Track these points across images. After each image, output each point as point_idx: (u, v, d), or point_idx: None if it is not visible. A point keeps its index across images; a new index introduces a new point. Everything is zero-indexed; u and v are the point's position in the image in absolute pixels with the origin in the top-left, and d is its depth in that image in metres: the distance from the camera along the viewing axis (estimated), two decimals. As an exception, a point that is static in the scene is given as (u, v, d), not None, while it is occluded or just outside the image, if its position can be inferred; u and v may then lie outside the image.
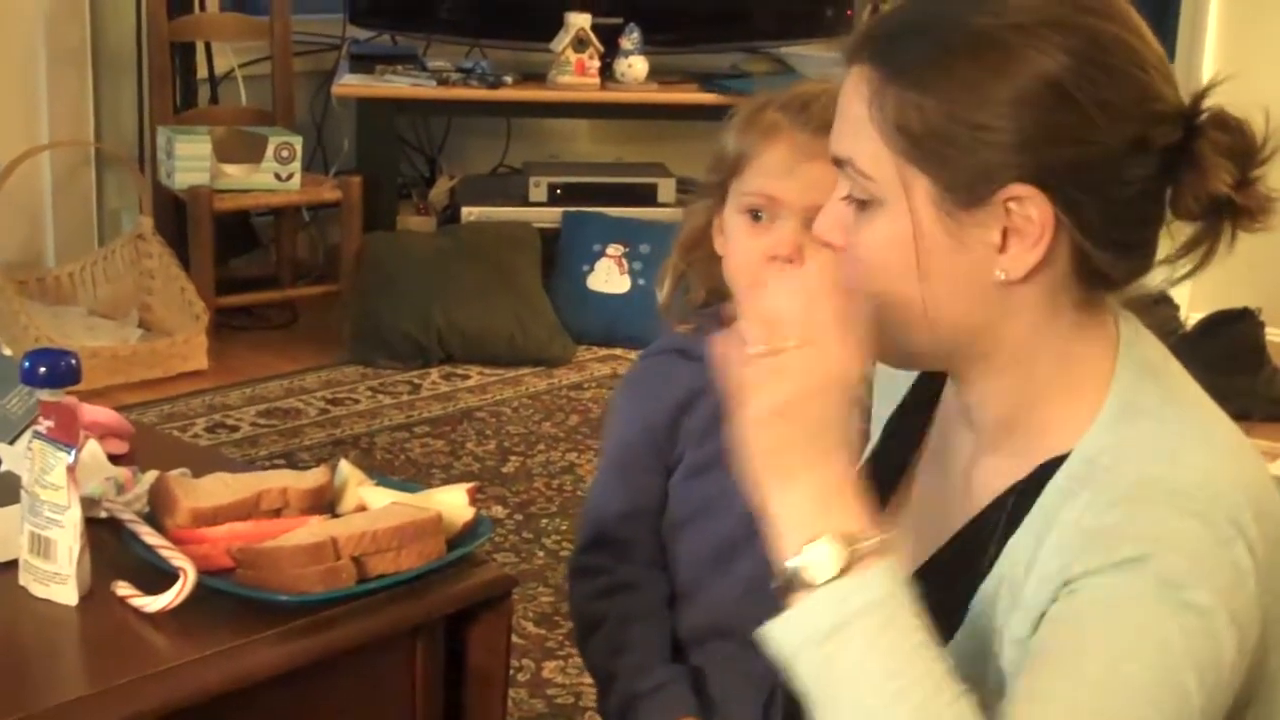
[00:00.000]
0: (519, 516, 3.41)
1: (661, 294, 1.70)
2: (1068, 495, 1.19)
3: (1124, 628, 1.13)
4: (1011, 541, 1.22)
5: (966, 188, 1.19)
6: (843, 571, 1.12)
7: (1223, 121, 1.20)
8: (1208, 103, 1.22)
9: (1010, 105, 1.17)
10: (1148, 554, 1.13)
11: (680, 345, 1.68)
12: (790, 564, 1.14)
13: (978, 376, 1.29)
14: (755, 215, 1.61)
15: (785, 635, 1.14)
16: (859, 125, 1.21)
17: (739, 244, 1.62)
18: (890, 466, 1.42)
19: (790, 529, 1.15)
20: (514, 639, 2.53)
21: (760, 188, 1.60)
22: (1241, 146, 1.20)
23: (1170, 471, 1.16)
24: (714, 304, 1.68)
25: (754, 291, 1.23)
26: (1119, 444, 1.19)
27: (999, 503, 1.26)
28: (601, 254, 4.59)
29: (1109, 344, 1.24)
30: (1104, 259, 1.20)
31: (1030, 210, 1.18)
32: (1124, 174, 1.18)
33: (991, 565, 1.24)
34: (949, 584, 1.27)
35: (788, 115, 1.60)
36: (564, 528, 3.34)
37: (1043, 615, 1.18)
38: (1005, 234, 1.19)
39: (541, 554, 3.23)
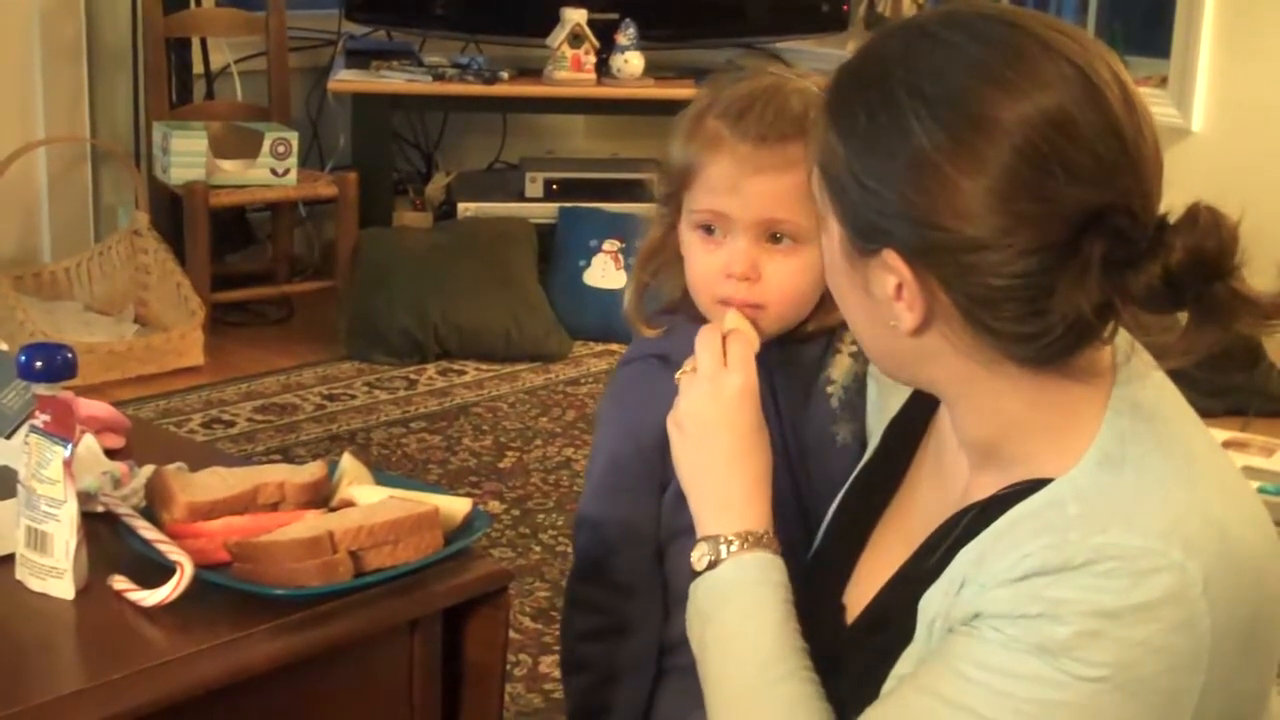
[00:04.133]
0: (515, 512, 3.41)
1: (625, 302, 1.68)
2: (1028, 529, 1.19)
3: (976, 681, 1.18)
4: (964, 550, 1.23)
5: (859, 239, 1.22)
6: (712, 565, 1.39)
7: (1186, 224, 1.14)
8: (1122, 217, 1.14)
9: (890, 174, 1.17)
10: (1043, 614, 1.15)
11: (659, 350, 1.64)
12: (690, 556, 1.41)
13: (946, 403, 1.31)
14: (708, 230, 1.58)
15: (686, 615, 1.42)
16: (810, 148, 1.28)
17: (696, 261, 1.59)
18: (890, 472, 1.43)
19: (696, 528, 1.42)
20: (511, 634, 2.54)
21: (708, 205, 1.57)
22: (1189, 258, 1.13)
23: (1121, 539, 1.15)
24: (685, 308, 1.66)
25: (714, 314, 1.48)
26: (1094, 492, 1.18)
27: (964, 511, 1.27)
28: (598, 249, 4.59)
29: (1101, 383, 1.23)
30: (990, 339, 1.19)
31: (903, 277, 1.19)
32: (994, 265, 1.15)
33: (941, 568, 1.25)
34: (908, 585, 1.29)
35: (727, 124, 1.55)
36: (560, 523, 3.34)
37: (949, 630, 1.22)
38: (898, 288, 1.20)
39: (538, 549, 3.23)
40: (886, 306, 1.22)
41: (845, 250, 1.24)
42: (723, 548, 1.39)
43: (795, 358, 1.61)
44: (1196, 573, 1.14)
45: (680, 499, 1.61)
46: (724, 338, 1.47)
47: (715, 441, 1.42)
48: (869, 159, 1.19)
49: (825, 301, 1.59)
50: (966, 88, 1.15)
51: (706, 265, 1.58)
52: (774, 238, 1.55)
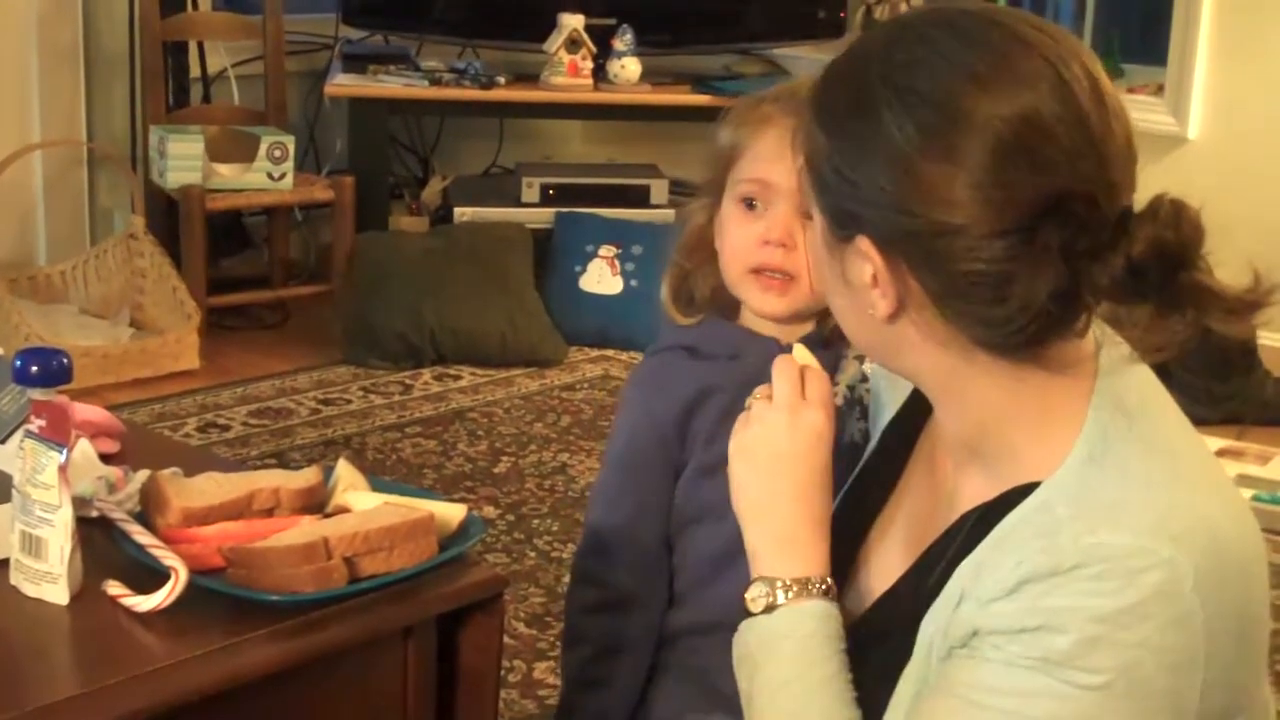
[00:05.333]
0: (510, 517, 3.41)
1: (664, 290, 1.71)
2: (1021, 536, 1.20)
3: (984, 705, 1.18)
4: (962, 565, 1.24)
5: (837, 226, 1.24)
6: (769, 609, 1.34)
7: (1150, 214, 1.15)
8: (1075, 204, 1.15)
9: (864, 163, 1.20)
10: (1043, 626, 1.15)
11: (686, 342, 1.68)
12: (745, 594, 1.37)
13: (930, 396, 1.31)
14: (750, 204, 1.63)
15: (733, 650, 1.38)
16: (795, 140, 1.30)
17: (733, 231, 1.64)
18: (888, 469, 1.44)
19: (750, 559, 1.38)
20: (505, 640, 2.54)
21: (753, 173, 1.62)
22: (1150, 249, 1.14)
23: (1110, 538, 1.15)
24: (716, 304, 1.69)
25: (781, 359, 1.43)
26: (1080, 492, 1.19)
27: (960, 522, 1.28)
28: (594, 255, 4.59)
29: (1082, 379, 1.23)
30: (961, 326, 1.20)
31: (875, 264, 1.21)
32: (961, 251, 1.16)
33: (941, 585, 1.25)
34: (910, 598, 1.30)
35: (779, 105, 1.62)
36: (555, 528, 3.34)
37: (950, 650, 1.22)
38: (874, 275, 1.22)
39: (533, 555, 3.23)
40: (864, 294, 1.24)
41: (826, 239, 1.27)
42: (780, 593, 1.35)
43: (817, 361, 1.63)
44: (1187, 567, 1.14)
45: (693, 487, 1.63)
46: (802, 370, 1.43)
47: (786, 475, 1.38)
48: (845, 148, 1.21)
49: None
50: (940, 82, 1.17)
51: (744, 234, 1.63)
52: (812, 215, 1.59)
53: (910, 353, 1.26)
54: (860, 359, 1.62)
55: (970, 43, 1.18)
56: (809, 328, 1.65)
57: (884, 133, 1.18)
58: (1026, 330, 1.18)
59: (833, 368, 1.63)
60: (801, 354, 1.46)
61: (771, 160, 1.60)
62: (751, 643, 1.36)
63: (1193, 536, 1.16)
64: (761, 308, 1.65)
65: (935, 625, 1.24)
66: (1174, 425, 1.26)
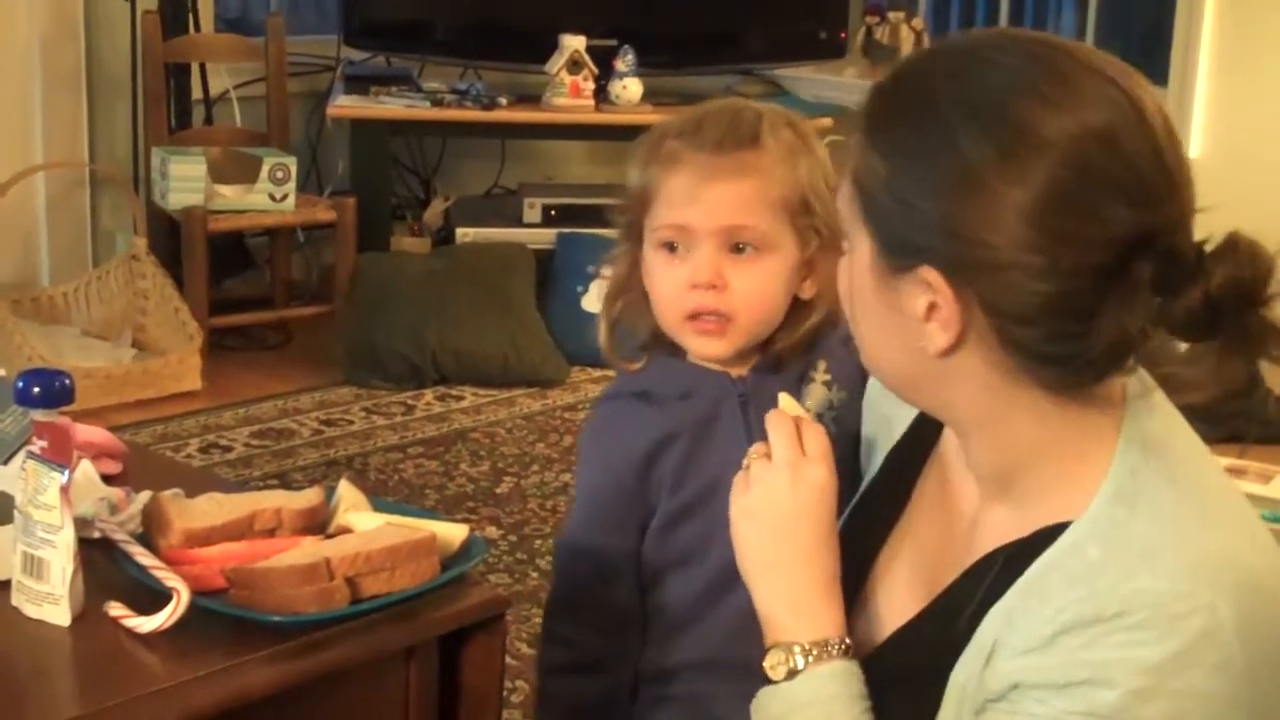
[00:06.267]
0: (513, 537, 3.40)
1: (601, 340, 1.67)
2: (1055, 581, 1.18)
3: None
4: (992, 610, 1.22)
5: (893, 255, 1.20)
6: (790, 674, 1.31)
7: (1225, 251, 1.14)
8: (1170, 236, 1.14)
9: (934, 189, 1.16)
10: (1090, 680, 1.14)
11: (638, 388, 1.63)
12: (764, 661, 1.33)
13: (959, 431, 1.29)
14: (671, 248, 1.58)
15: (753, 717, 1.34)
16: (843, 161, 1.25)
17: (659, 279, 1.59)
18: (892, 498, 1.42)
19: (764, 624, 1.35)
20: (508, 660, 2.53)
21: (668, 219, 1.57)
22: (1229, 283, 1.13)
23: (1150, 584, 1.14)
24: (660, 343, 1.65)
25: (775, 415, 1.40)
26: (1110, 532, 1.17)
27: (987, 562, 1.26)
28: (596, 275, 4.59)
29: (1111, 416, 1.22)
30: (1023, 361, 1.17)
31: (941, 295, 1.18)
32: (1035, 282, 1.13)
33: (971, 632, 1.23)
34: (934, 641, 1.28)
35: (684, 141, 1.56)
36: (558, 549, 3.34)
37: (986, 703, 1.20)
38: (930, 307, 1.19)
39: (535, 575, 3.22)
40: (916, 326, 1.20)
41: (876, 269, 1.22)
42: (799, 658, 1.31)
43: (771, 389, 1.59)
44: (1227, 611, 1.13)
45: (663, 536, 1.60)
46: (797, 423, 1.40)
47: (791, 536, 1.34)
48: (912, 175, 1.17)
49: (791, 319, 1.58)
50: (1016, 103, 1.14)
51: (671, 281, 1.58)
52: (737, 248, 1.56)
53: (954, 387, 1.22)
54: (827, 385, 1.59)
55: (1040, 65, 1.16)
56: (756, 356, 1.62)
57: (957, 157, 1.14)
58: (1093, 367, 1.15)
59: (794, 389, 1.56)
60: (789, 405, 1.42)
61: (685, 203, 1.55)
62: (774, 710, 1.32)
63: (1229, 577, 1.15)
64: (703, 352, 1.60)
65: (967, 674, 1.22)
66: (1199, 460, 1.24)
